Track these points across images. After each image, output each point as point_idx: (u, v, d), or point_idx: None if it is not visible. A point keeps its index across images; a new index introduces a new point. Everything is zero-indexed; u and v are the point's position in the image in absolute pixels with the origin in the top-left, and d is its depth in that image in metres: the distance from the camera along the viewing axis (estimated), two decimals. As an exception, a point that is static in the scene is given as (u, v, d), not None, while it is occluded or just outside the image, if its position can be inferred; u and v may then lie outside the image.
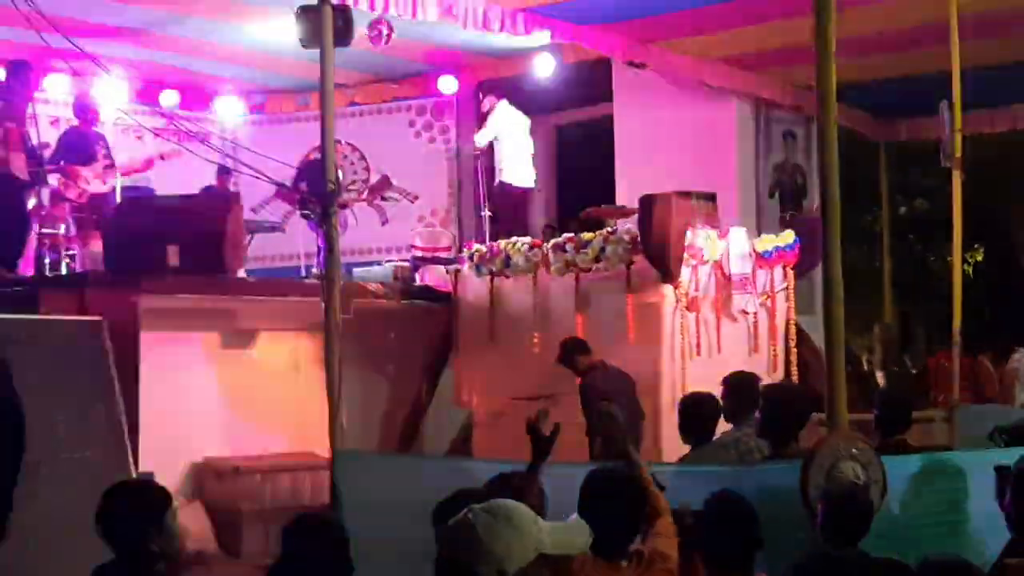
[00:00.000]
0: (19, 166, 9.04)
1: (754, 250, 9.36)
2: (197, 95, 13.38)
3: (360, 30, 8.06)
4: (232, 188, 11.97)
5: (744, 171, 12.16)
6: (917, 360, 14.02)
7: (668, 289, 8.77)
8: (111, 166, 10.36)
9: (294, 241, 11.92)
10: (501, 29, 9.64)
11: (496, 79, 12.35)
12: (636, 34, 10.56)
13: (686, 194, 9.16)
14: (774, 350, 9.36)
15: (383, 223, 12.81)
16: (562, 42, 10.76)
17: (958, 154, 9.01)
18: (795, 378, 9.24)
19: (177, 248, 8.53)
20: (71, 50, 7.59)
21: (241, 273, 9.44)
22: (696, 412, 5.85)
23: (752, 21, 10.07)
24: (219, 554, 8.85)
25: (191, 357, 9.19)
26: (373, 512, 5.63)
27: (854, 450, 4.86)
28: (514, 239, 9.92)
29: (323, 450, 7.31)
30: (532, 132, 11.96)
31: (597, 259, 9.12)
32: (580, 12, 9.92)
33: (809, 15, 5.32)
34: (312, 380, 8.67)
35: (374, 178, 12.78)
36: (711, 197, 9.75)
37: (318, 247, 10.37)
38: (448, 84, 12.90)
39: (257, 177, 8.09)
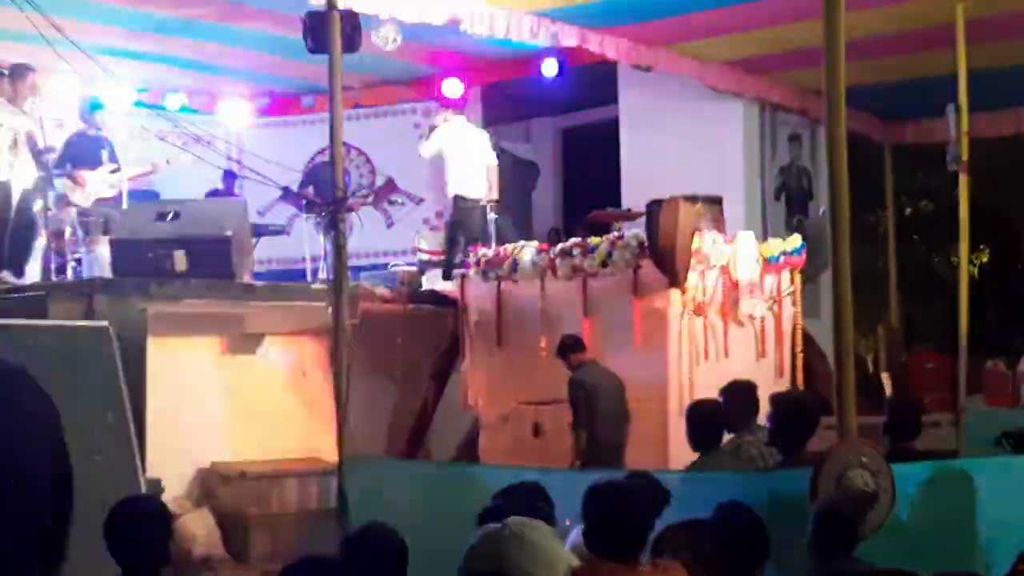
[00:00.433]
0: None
1: (761, 255, 9.35)
2: (202, 98, 13.40)
3: (367, 35, 8.06)
4: (238, 191, 12.00)
5: (750, 174, 12.15)
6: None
7: (675, 294, 8.76)
8: (117, 170, 10.37)
9: (299, 244, 11.92)
10: (507, 33, 9.64)
11: (501, 82, 12.35)
12: (642, 37, 10.56)
13: (693, 198, 9.15)
14: (781, 355, 9.35)
15: (388, 226, 12.82)
16: (567, 46, 10.76)
17: (965, 157, 9.00)
18: (801, 383, 9.23)
19: (184, 253, 8.54)
20: (76, 53, 7.60)
21: (248, 278, 9.44)
22: (704, 419, 5.85)
23: (757, 24, 10.07)
24: (226, 559, 8.84)
25: (198, 363, 9.19)
26: (381, 519, 5.61)
27: (863, 458, 4.87)
28: (520, 243, 9.92)
29: (330, 455, 7.33)
30: (538, 135, 11.96)
31: (604, 264, 9.11)
32: (586, 16, 9.92)
33: (814, 18, 5.33)
34: (319, 385, 8.69)
35: (379, 181, 12.80)
36: (718, 200, 9.75)
37: (324, 251, 10.38)
38: (453, 87, 12.88)
39: (263, 182, 8.12)
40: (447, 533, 4.19)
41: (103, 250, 9.54)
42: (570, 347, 8.42)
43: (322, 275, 10.53)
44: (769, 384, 8.32)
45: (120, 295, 8.07)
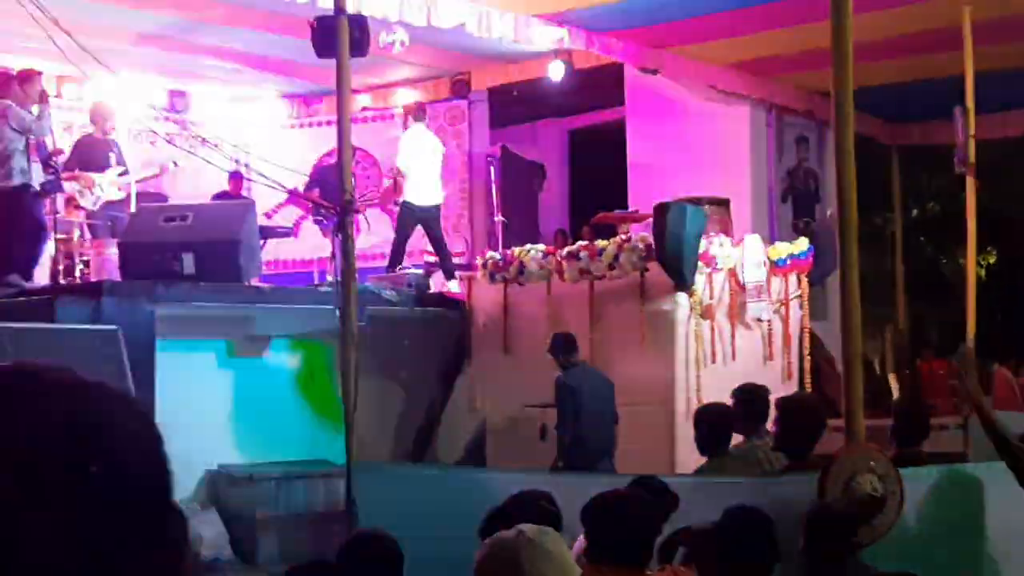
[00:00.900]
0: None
1: (768, 258, 9.34)
2: (210, 101, 13.41)
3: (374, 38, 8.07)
4: (244, 193, 12.00)
5: (757, 176, 12.15)
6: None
7: (682, 297, 8.76)
8: (125, 173, 10.38)
9: (306, 246, 11.92)
10: (515, 36, 9.64)
11: (508, 84, 12.34)
12: (649, 40, 10.57)
13: (699, 200, 9.15)
14: (788, 358, 9.34)
15: (395, 228, 12.79)
16: (575, 48, 10.77)
17: (972, 160, 8.99)
18: (808, 385, 9.22)
19: (192, 256, 8.55)
20: (84, 56, 7.62)
21: (256, 280, 9.45)
22: (712, 423, 5.84)
23: (763, 27, 10.07)
24: (234, 561, 8.85)
25: (206, 365, 9.20)
26: (388, 522, 5.61)
27: (871, 462, 4.86)
28: (527, 246, 9.91)
29: (338, 457, 7.33)
30: (544, 137, 11.95)
31: (611, 267, 9.11)
32: (593, 19, 9.92)
33: (820, 21, 5.33)
34: (327, 387, 8.70)
35: (386, 183, 12.78)
36: (724, 203, 9.75)
37: (332, 253, 10.38)
38: (460, 89, 12.89)
39: (270, 185, 8.13)
40: (454, 536, 4.20)
41: (111, 253, 9.56)
42: (561, 346, 8.31)
43: (330, 277, 10.52)
44: (776, 387, 8.31)
45: (128, 298, 8.09)
